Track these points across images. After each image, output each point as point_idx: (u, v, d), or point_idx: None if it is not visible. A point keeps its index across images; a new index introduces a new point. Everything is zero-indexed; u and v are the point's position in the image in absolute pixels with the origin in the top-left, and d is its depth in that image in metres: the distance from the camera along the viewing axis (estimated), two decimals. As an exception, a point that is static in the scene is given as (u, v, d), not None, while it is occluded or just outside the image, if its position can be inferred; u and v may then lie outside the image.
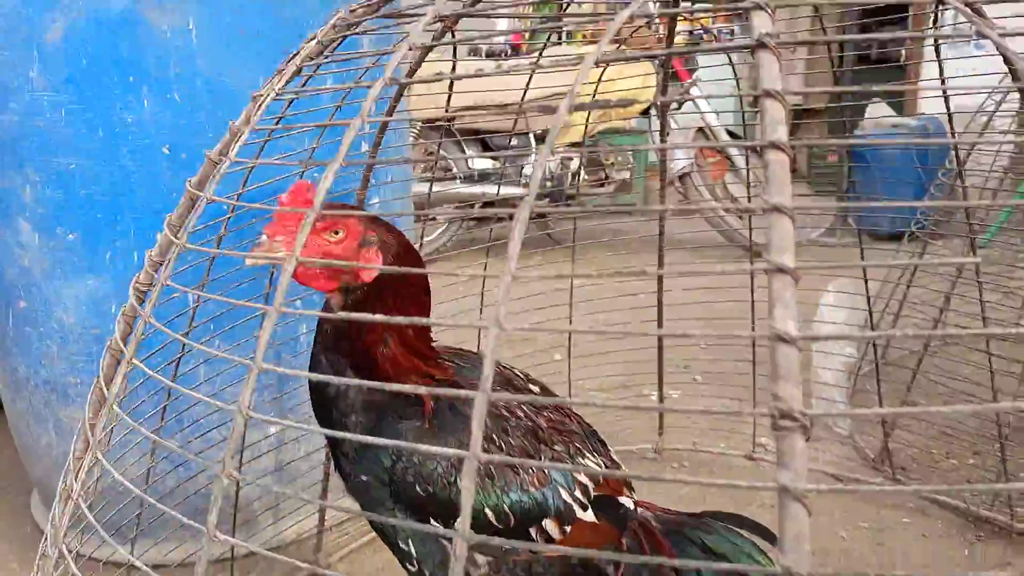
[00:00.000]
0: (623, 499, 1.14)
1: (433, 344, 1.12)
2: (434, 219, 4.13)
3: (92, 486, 0.98)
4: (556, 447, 1.07)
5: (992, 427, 1.90)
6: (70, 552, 0.79)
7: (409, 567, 1.07)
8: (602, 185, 4.26)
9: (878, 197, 3.68)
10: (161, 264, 0.86)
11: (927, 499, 1.95)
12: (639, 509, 1.18)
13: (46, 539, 0.90)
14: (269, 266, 1.31)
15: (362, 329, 1.00)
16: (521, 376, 1.19)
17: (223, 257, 1.13)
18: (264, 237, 0.96)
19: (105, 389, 0.88)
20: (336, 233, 0.98)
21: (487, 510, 1.01)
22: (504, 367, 1.19)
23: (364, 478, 1.05)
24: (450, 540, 1.02)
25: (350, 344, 1.00)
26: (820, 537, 1.84)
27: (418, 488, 1.00)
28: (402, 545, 1.06)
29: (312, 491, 1.74)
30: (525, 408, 1.07)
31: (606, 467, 1.13)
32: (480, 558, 1.04)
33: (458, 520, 1.05)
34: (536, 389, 1.18)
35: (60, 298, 1.54)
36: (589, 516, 1.07)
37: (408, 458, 1.00)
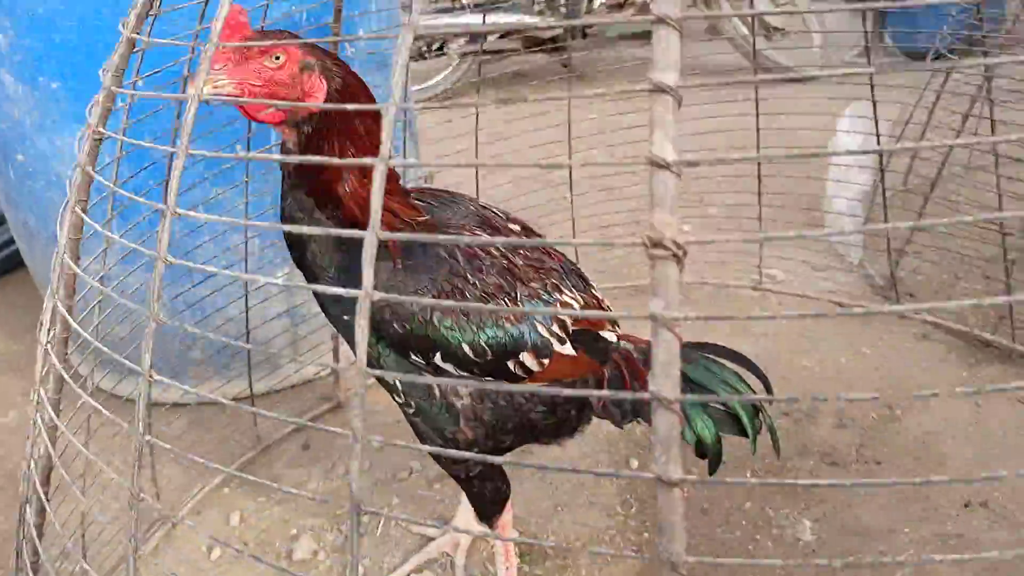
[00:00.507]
0: (605, 333, 1.16)
1: (407, 183, 1.11)
2: (443, 53, 4.00)
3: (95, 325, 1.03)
4: (532, 284, 1.08)
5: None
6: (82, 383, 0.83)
7: (397, 399, 1.12)
8: (621, 8, 4.05)
9: (915, 14, 3.46)
10: (110, 110, 0.85)
11: (931, 323, 1.95)
12: (622, 342, 1.21)
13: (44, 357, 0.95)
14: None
15: (319, 167, 0.99)
16: (501, 215, 1.18)
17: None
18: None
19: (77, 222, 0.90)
20: (276, 59, 0.96)
21: (464, 345, 1.03)
22: (483, 206, 1.19)
23: (346, 318, 1.08)
24: (433, 373, 1.06)
25: (311, 183, 1.00)
26: (824, 361, 1.87)
27: (395, 326, 1.03)
28: (388, 380, 1.10)
29: (326, 330, 1.79)
30: (500, 248, 1.08)
31: (587, 305, 1.14)
32: (462, 389, 1.08)
33: (438, 355, 1.08)
34: (516, 228, 1.18)
35: (54, 149, 1.55)
36: (568, 350, 1.09)
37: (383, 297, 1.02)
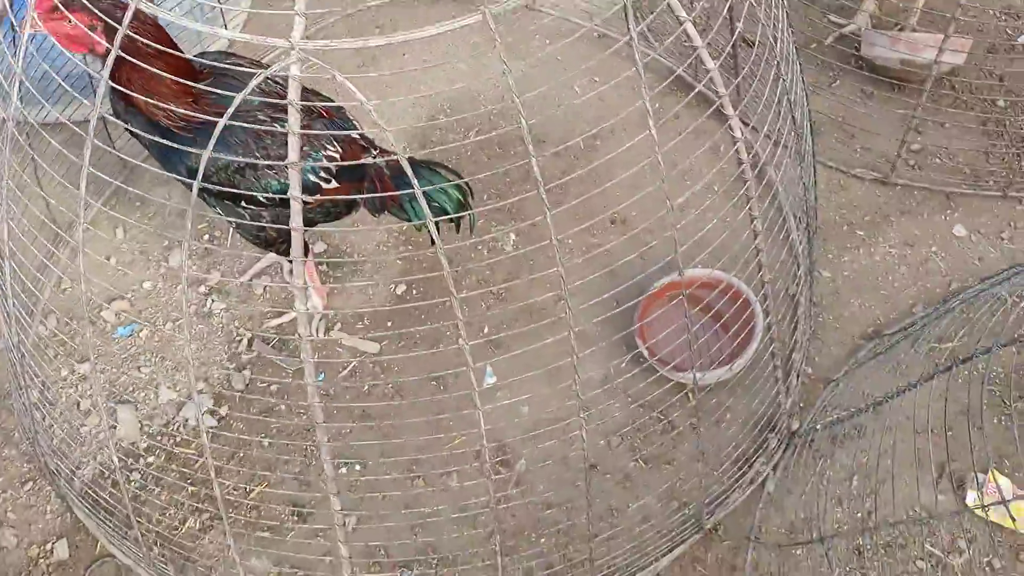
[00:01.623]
0: (365, 159, 1.74)
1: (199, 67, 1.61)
2: None
3: None
4: (304, 147, 1.64)
5: None
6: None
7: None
8: None
9: None
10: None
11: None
12: (379, 159, 1.78)
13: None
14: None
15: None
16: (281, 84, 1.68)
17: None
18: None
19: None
20: (69, 22, 1.46)
21: (259, 194, 1.64)
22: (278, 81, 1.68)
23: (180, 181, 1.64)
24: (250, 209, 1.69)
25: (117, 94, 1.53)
26: (567, 91, 2.46)
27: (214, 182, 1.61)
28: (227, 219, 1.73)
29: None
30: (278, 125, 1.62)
31: (345, 153, 1.71)
32: (265, 213, 1.71)
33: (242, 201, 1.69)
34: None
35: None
36: (333, 185, 1.70)
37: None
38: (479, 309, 2.08)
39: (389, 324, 2.06)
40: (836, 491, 1.81)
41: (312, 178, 1.69)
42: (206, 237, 2.22)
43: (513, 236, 2.17)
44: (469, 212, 1.85)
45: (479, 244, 2.17)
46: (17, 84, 1.27)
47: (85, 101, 1.47)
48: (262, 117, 1.61)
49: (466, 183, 1.86)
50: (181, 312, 2.08)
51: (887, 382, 1.70)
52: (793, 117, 1.81)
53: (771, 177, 2.22)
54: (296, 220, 1.20)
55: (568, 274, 2.17)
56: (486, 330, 2.03)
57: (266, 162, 1.60)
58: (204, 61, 1.69)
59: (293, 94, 1.12)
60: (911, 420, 1.53)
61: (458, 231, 1.92)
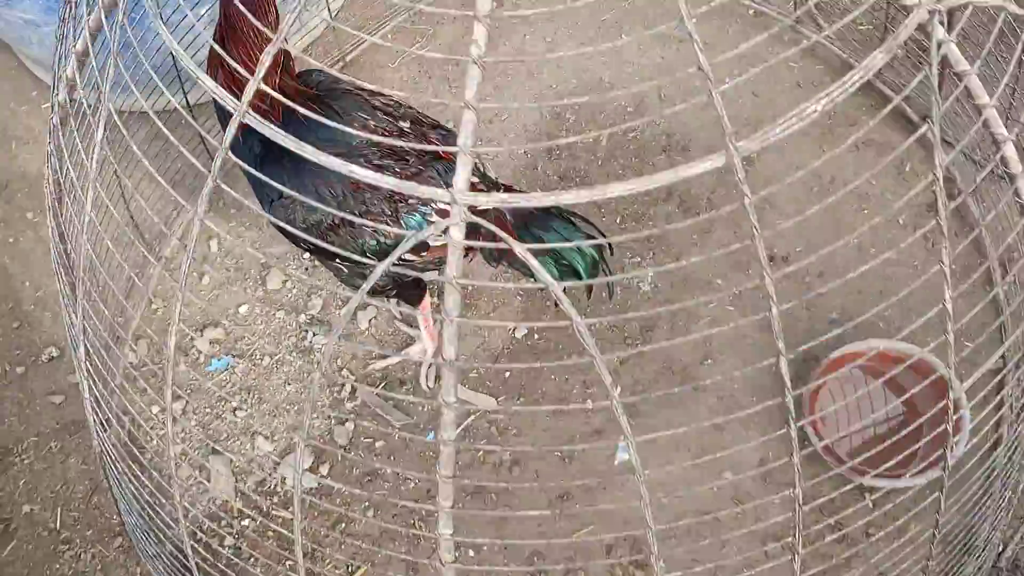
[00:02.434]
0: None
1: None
2: None
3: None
4: (410, 200, 1.37)
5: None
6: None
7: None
8: None
9: None
10: None
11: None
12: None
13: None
14: None
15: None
16: (393, 108, 1.40)
17: None
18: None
19: None
20: None
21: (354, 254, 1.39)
22: (376, 105, 1.40)
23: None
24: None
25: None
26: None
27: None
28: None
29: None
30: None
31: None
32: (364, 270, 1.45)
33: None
34: (406, 126, 1.41)
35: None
36: (443, 240, 1.43)
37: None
38: (608, 361, 1.80)
39: (507, 375, 1.81)
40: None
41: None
42: (307, 255, 1.99)
43: (651, 273, 1.87)
44: (608, 278, 1.56)
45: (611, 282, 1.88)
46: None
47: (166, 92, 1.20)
48: (369, 162, 1.35)
49: (607, 241, 1.56)
50: (279, 345, 1.89)
51: None
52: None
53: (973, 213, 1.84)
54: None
55: (716, 324, 1.88)
56: (618, 391, 1.76)
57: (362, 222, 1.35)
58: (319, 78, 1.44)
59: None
60: None
61: (589, 297, 1.63)
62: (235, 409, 1.83)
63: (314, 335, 1.87)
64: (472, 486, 1.68)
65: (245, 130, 0.96)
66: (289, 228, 1.11)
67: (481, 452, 1.72)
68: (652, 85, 2.10)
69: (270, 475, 1.75)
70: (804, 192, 1.95)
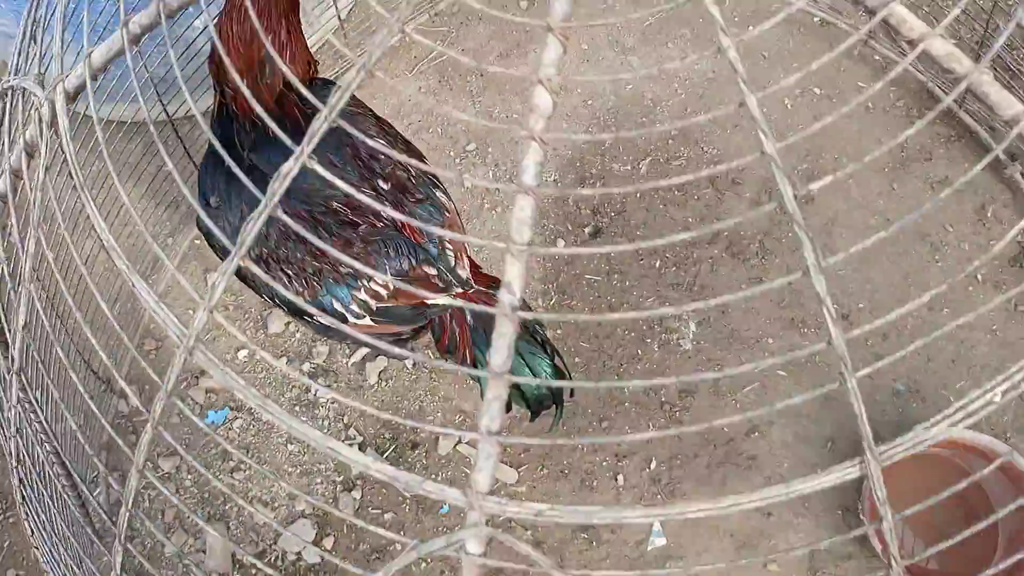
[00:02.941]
0: (432, 299, 1.24)
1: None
2: None
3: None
4: (340, 269, 1.18)
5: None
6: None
7: None
8: None
9: None
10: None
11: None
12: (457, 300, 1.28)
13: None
14: None
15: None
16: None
17: None
18: None
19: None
20: None
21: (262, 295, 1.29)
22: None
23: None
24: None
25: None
26: (768, 102, 1.86)
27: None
28: None
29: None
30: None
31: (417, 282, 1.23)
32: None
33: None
34: (385, 187, 1.22)
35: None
36: (366, 321, 1.24)
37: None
38: (642, 427, 1.62)
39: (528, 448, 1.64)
40: None
41: (336, 306, 1.23)
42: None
43: (693, 326, 1.67)
44: (558, 403, 1.37)
45: (647, 336, 1.68)
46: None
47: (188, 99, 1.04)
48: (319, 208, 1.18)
49: (563, 363, 1.36)
50: (281, 398, 1.73)
51: None
52: None
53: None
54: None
55: (767, 391, 1.68)
56: (652, 466, 1.58)
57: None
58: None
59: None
60: None
61: (533, 420, 1.42)
62: (232, 471, 1.68)
63: (317, 389, 1.71)
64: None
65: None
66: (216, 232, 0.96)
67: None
68: (700, 104, 1.87)
69: (270, 547, 1.61)
70: (867, 235, 1.73)
